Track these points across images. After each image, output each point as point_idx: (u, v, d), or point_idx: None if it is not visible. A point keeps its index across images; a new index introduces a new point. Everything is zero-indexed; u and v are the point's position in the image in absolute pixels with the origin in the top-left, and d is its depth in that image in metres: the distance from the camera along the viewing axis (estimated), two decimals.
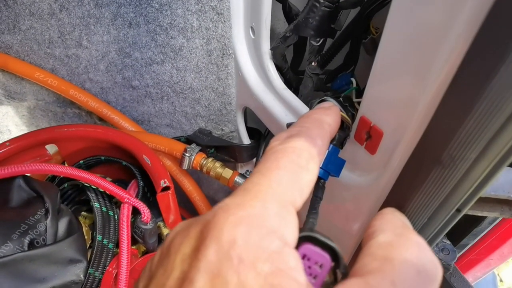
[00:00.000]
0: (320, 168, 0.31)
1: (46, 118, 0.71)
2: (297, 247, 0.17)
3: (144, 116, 0.62)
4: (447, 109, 0.20)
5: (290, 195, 0.18)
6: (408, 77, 0.24)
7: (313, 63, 0.38)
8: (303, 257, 0.17)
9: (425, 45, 0.21)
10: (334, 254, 0.18)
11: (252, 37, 0.44)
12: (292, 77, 0.44)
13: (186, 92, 0.55)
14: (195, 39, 0.48)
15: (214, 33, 0.47)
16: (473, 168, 0.18)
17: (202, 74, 0.52)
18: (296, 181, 0.18)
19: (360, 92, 0.39)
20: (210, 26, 0.47)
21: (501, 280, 0.81)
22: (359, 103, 0.34)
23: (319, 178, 0.30)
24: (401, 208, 0.25)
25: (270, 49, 0.42)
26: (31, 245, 0.39)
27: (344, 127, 0.32)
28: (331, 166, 0.30)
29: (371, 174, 0.31)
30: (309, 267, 0.18)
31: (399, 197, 0.25)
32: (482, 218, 0.43)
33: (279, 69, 0.43)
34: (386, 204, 0.27)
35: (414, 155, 0.24)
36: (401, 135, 0.26)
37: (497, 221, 0.44)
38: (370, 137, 0.30)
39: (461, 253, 0.47)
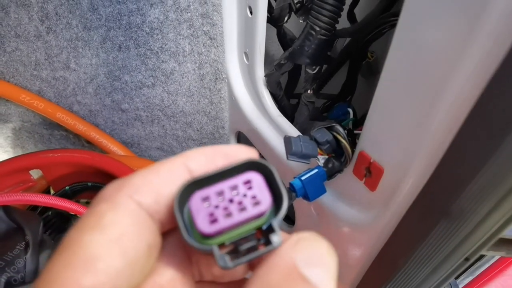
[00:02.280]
0: (299, 179, 0.30)
1: (32, 140, 0.69)
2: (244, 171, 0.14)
3: (134, 139, 0.60)
4: (459, 156, 0.18)
5: None
6: (413, 111, 0.23)
7: (308, 91, 0.37)
8: (246, 182, 0.14)
9: (435, 75, 0.20)
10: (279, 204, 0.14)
11: (246, 62, 0.43)
12: (287, 104, 0.43)
13: (177, 115, 0.53)
14: (187, 63, 0.47)
15: (206, 57, 0.46)
16: (485, 222, 0.17)
17: (194, 98, 0.50)
18: None
19: (356, 123, 0.37)
20: (203, 50, 0.45)
21: None
22: (356, 134, 0.33)
23: (292, 189, 0.27)
24: (403, 255, 0.24)
25: (265, 76, 0.41)
26: (8, 285, 0.36)
27: (341, 160, 0.31)
28: (311, 187, 0.28)
29: (371, 211, 0.30)
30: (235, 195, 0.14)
31: (402, 242, 0.23)
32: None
33: (273, 95, 0.42)
34: (388, 247, 0.25)
35: (419, 200, 0.22)
36: (403, 175, 0.25)
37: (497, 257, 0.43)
38: (370, 173, 0.29)
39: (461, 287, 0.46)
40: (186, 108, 0.52)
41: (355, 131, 0.33)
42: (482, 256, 0.42)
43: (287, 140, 0.28)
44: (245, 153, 0.16)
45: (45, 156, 0.53)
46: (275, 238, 0.14)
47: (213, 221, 0.14)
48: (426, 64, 0.20)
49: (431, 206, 0.21)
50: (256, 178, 0.14)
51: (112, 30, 0.49)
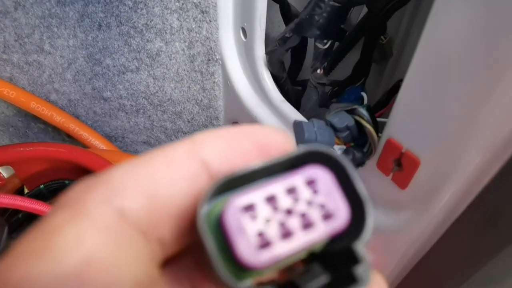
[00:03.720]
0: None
1: (7, 134, 0.63)
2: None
3: (118, 132, 0.54)
4: None
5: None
6: (470, 78, 0.17)
7: (318, 71, 0.31)
8: (309, 182, 0.09)
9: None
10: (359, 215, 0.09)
11: (243, 39, 0.37)
12: (291, 88, 0.38)
13: (165, 104, 0.48)
14: (175, 42, 0.41)
15: (197, 35, 0.40)
16: None
17: (184, 84, 0.45)
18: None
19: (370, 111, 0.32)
20: (193, 26, 0.40)
21: None
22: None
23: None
24: (451, 277, 0.18)
25: (266, 53, 0.35)
26: None
27: (364, 150, 0.25)
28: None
29: (400, 215, 0.24)
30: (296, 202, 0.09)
31: (452, 258, 0.18)
32: None
33: (275, 78, 0.36)
34: (427, 263, 0.20)
35: (482, 203, 0.17)
36: (450, 169, 0.19)
37: None
38: (400, 167, 0.23)
39: None
40: (174, 95, 0.46)
41: (378, 119, 0.27)
42: None
43: (298, 125, 0.22)
44: (280, 136, 0.10)
45: (15, 151, 0.47)
46: (363, 272, 0.09)
47: (264, 245, 0.09)
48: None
49: (497, 221, 0.15)
50: (323, 176, 0.09)
51: (90, 5, 0.43)
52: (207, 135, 0.10)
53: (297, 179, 0.09)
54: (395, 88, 0.38)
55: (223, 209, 0.09)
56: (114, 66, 0.48)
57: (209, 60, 0.41)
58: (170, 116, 0.50)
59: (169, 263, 0.11)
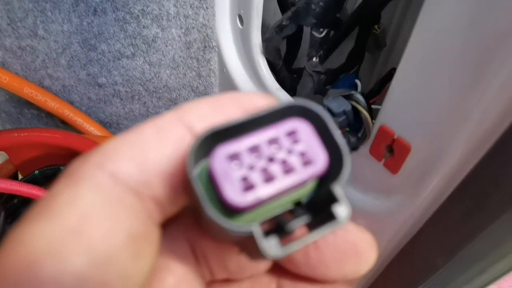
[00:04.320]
0: None
1: None
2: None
3: (113, 118, 0.54)
4: None
5: None
6: (459, 68, 0.18)
7: (314, 59, 0.31)
8: (289, 133, 0.10)
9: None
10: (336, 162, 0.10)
11: (240, 27, 0.38)
12: (286, 76, 0.38)
13: (160, 91, 0.48)
14: (171, 29, 0.41)
15: (194, 21, 0.40)
16: None
17: (180, 70, 0.45)
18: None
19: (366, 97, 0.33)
20: (190, 13, 0.40)
21: None
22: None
23: None
24: (441, 253, 0.19)
25: (263, 41, 0.35)
26: None
27: (358, 135, 0.26)
28: None
29: (391, 198, 0.25)
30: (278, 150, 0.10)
31: (440, 238, 0.19)
32: None
33: (271, 65, 0.37)
34: (417, 242, 0.21)
35: (471, 184, 0.17)
36: (439, 153, 0.20)
37: None
38: (392, 152, 0.24)
39: None
40: (170, 82, 0.46)
41: (372, 106, 0.28)
42: None
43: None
44: (265, 101, 0.11)
45: (9, 136, 0.47)
46: (341, 210, 0.10)
47: (248, 188, 0.09)
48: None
49: (481, 198, 0.16)
50: (303, 127, 0.10)
51: None
52: (193, 102, 0.11)
53: (279, 130, 0.10)
54: (388, 77, 0.39)
55: (210, 159, 0.09)
56: (110, 52, 0.48)
57: (205, 47, 0.42)
58: (165, 102, 0.50)
59: (168, 224, 0.12)
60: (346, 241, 0.13)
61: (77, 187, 0.10)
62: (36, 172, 0.50)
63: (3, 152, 0.51)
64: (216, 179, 0.09)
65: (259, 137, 0.10)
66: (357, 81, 0.34)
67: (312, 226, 0.10)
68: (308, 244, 0.10)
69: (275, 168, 0.10)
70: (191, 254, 0.13)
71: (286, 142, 0.10)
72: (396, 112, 0.23)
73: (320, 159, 0.10)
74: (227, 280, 0.14)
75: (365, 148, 0.26)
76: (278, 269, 0.14)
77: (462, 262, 0.17)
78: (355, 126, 0.25)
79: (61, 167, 0.50)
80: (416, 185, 0.22)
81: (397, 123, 0.23)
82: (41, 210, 0.10)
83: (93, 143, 0.47)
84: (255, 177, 0.09)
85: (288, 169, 0.10)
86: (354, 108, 0.25)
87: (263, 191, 0.09)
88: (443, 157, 0.20)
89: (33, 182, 0.50)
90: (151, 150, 0.10)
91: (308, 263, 0.13)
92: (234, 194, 0.09)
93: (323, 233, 0.10)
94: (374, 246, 0.14)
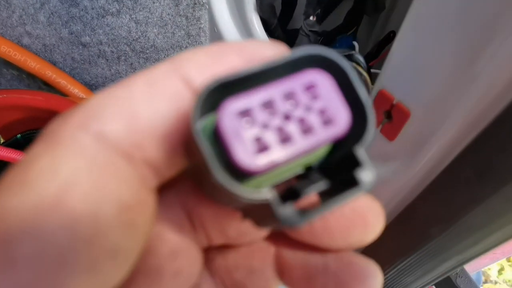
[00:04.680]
0: None
1: None
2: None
3: (98, 80, 0.52)
4: None
5: None
6: (465, 31, 0.17)
7: (311, 18, 0.30)
8: (308, 87, 0.09)
9: None
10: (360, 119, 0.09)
11: None
12: (281, 35, 0.36)
13: (147, 51, 0.46)
14: None
15: None
16: None
17: (168, 29, 0.42)
18: None
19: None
20: None
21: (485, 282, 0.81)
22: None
23: None
24: (436, 223, 0.19)
25: None
26: None
27: None
28: None
29: (387, 166, 0.25)
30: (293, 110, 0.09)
31: (436, 209, 0.18)
32: None
33: (265, 24, 0.35)
34: (412, 211, 0.21)
35: (470, 154, 0.17)
36: (439, 118, 0.19)
37: None
38: (391, 118, 0.23)
39: None
40: (158, 41, 0.44)
41: (372, 70, 0.27)
42: None
43: None
44: (273, 50, 0.10)
45: None
46: (365, 175, 0.09)
47: (262, 149, 0.08)
48: None
49: (484, 171, 0.16)
50: (323, 81, 0.09)
51: None
52: (190, 52, 0.10)
53: (295, 83, 0.09)
54: (386, 40, 0.37)
55: (218, 115, 0.08)
56: (93, 9, 0.45)
57: (195, 3, 0.39)
58: (153, 63, 0.48)
59: (163, 190, 0.11)
60: (353, 209, 0.12)
61: (57, 152, 0.09)
62: (19, 135, 0.49)
63: None
64: (224, 139, 0.08)
65: (274, 91, 0.09)
66: (355, 43, 0.33)
67: (329, 193, 0.09)
68: (329, 212, 0.09)
69: (292, 128, 0.08)
70: (187, 221, 0.12)
71: (304, 98, 0.09)
72: (397, 76, 0.22)
73: (342, 119, 0.09)
74: (225, 246, 0.13)
75: None
76: (278, 235, 0.14)
77: (458, 233, 0.17)
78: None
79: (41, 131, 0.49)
80: (413, 153, 0.22)
81: (397, 87, 0.22)
82: (16, 179, 0.08)
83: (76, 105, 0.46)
84: (270, 137, 0.08)
85: (306, 129, 0.09)
86: None
87: (279, 153, 0.08)
88: (443, 125, 0.19)
89: (15, 146, 0.49)
90: (142, 106, 0.09)
91: (312, 231, 0.12)
92: (245, 156, 0.08)
93: (347, 199, 0.09)
94: (381, 215, 0.13)
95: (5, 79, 0.59)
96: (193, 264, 0.12)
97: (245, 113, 0.08)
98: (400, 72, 0.21)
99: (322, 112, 0.09)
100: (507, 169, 0.13)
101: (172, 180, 0.11)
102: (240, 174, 0.08)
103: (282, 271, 0.14)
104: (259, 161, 0.08)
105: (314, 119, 0.08)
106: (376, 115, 0.24)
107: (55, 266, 0.08)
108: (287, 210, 0.08)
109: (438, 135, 0.20)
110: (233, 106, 0.08)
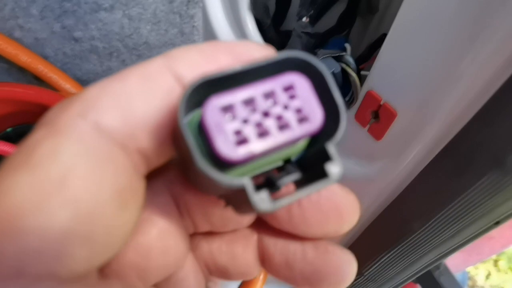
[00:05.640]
0: None
1: None
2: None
3: (90, 76, 0.52)
4: None
5: None
6: (449, 31, 0.17)
7: (304, 19, 0.31)
8: (286, 88, 0.10)
9: None
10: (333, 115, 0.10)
11: None
12: (274, 36, 0.37)
13: (140, 48, 0.46)
14: None
15: None
16: None
17: (161, 26, 0.43)
18: None
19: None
20: None
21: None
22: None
23: None
24: (417, 217, 0.20)
25: None
26: None
27: (345, 99, 0.26)
28: None
29: (372, 165, 0.25)
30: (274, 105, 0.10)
31: (418, 203, 0.19)
32: None
33: (259, 24, 0.36)
34: (396, 207, 0.21)
35: (448, 153, 0.18)
36: (424, 121, 0.20)
37: None
38: (378, 119, 0.24)
39: None
40: (150, 39, 0.45)
41: (362, 72, 0.28)
42: None
43: None
44: (262, 51, 0.11)
45: None
46: (333, 168, 0.10)
47: (241, 141, 0.09)
48: None
49: (464, 165, 0.17)
50: (301, 82, 0.10)
51: None
52: (182, 49, 0.11)
53: (276, 84, 0.10)
54: (378, 42, 0.38)
55: (203, 110, 0.09)
56: (86, 3, 0.45)
57: (189, 1, 0.40)
58: (145, 60, 0.48)
59: (151, 177, 0.12)
60: (330, 201, 0.13)
61: (58, 138, 0.09)
62: (9, 129, 0.49)
63: None
64: (208, 131, 0.09)
65: (255, 90, 0.09)
66: (347, 45, 0.34)
67: (303, 183, 0.10)
68: (299, 199, 0.10)
69: (270, 123, 0.09)
70: (174, 207, 0.13)
71: (282, 97, 0.10)
72: (385, 77, 0.23)
73: (317, 117, 0.10)
74: (210, 233, 0.14)
75: (350, 114, 0.26)
76: (260, 224, 0.15)
77: (438, 225, 0.18)
78: (343, 90, 0.25)
79: (32, 126, 0.49)
80: (399, 151, 0.23)
81: (385, 88, 0.23)
82: (21, 161, 0.09)
83: None
84: (249, 131, 0.09)
85: (283, 125, 0.09)
86: (343, 71, 0.25)
87: (256, 146, 0.09)
88: (427, 124, 0.20)
89: (6, 140, 0.49)
90: (137, 100, 0.10)
91: (291, 221, 0.13)
92: (226, 147, 0.09)
93: (316, 189, 0.10)
94: (357, 207, 0.14)
95: None
96: (179, 246, 0.13)
97: (227, 108, 0.09)
98: (387, 73, 0.22)
99: (298, 110, 0.10)
100: (483, 163, 0.14)
101: (160, 169, 0.12)
102: (223, 164, 0.09)
103: (263, 258, 0.15)
104: (239, 152, 0.09)
105: (290, 117, 0.09)
106: (364, 115, 0.25)
107: (59, 238, 0.09)
108: (260, 196, 0.09)
109: (422, 134, 0.21)
110: (216, 101, 0.09)
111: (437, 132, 0.19)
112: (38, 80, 0.57)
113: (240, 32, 0.38)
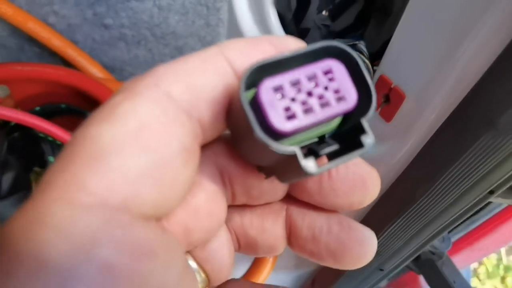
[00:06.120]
0: None
1: None
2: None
3: (116, 63, 0.55)
4: (509, 66, 0.16)
5: None
6: (449, 22, 0.20)
7: (324, 12, 0.33)
8: (326, 72, 0.12)
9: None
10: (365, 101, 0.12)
11: None
12: (295, 31, 0.40)
13: (167, 37, 0.49)
14: None
15: None
16: None
17: (189, 17, 0.46)
18: None
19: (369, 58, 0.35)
20: None
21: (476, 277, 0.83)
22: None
23: None
24: (420, 186, 0.22)
25: None
26: None
27: None
28: None
29: (383, 145, 0.28)
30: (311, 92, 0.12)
31: (420, 174, 0.22)
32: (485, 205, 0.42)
33: (281, 18, 0.39)
34: (402, 180, 0.24)
35: (443, 131, 0.20)
36: (429, 99, 0.23)
37: (501, 207, 0.42)
38: (388, 101, 0.26)
39: (454, 239, 0.46)
40: (178, 29, 0.48)
41: (375, 68, 0.30)
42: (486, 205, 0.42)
43: None
44: (297, 44, 0.13)
45: (13, 69, 0.49)
46: (367, 139, 0.12)
47: (290, 117, 0.11)
48: None
49: (462, 131, 0.19)
50: (338, 67, 0.12)
51: None
52: (232, 40, 0.13)
53: (317, 68, 0.12)
54: None
55: (258, 89, 0.11)
56: None
57: None
58: (171, 50, 0.51)
59: (202, 150, 0.14)
60: (356, 173, 0.15)
61: (136, 100, 0.11)
62: (38, 108, 0.52)
63: (5, 86, 0.52)
64: (262, 107, 0.11)
65: (300, 73, 0.11)
66: (362, 42, 0.36)
67: (339, 153, 0.12)
68: (340, 164, 0.12)
69: (313, 102, 0.11)
70: (219, 177, 0.15)
71: (323, 79, 0.12)
72: (395, 62, 0.25)
73: (352, 97, 0.12)
74: (243, 206, 0.16)
75: None
76: (289, 200, 0.16)
77: (438, 191, 0.20)
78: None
79: (62, 105, 0.52)
80: (406, 131, 0.25)
81: (395, 72, 0.25)
82: (104, 115, 0.11)
83: (97, 83, 0.49)
84: (296, 107, 0.11)
85: (324, 103, 0.11)
86: None
87: (302, 120, 0.11)
88: (431, 106, 0.23)
89: None
90: (198, 77, 0.12)
91: (321, 192, 0.15)
92: (278, 120, 0.11)
93: (355, 156, 0.12)
94: (379, 181, 0.16)
95: (26, 55, 0.62)
96: (222, 212, 0.15)
97: (278, 88, 0.11)
98: (398, 58, 0.25)
99: (336, 91, 0.12)
100: (477, 127, 0.17)
101: (208, 144, 0.14)
102: (273, 135, 0.12)
103: (290, 232, 0.17)
104: (288, 125, 0.11)
105: (330, 96, 0.12)
106: (376, 98, 0.27)
107: (135, 178, 0.11)
108: (308, 162, 0.11)
109: (426, 116, 0.23)
110: (269, 83, 0.11)
111: (439, 110, 0.22)
112: (67, 64, 0.60)
113: (263, 26, 0.41)
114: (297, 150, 0.11)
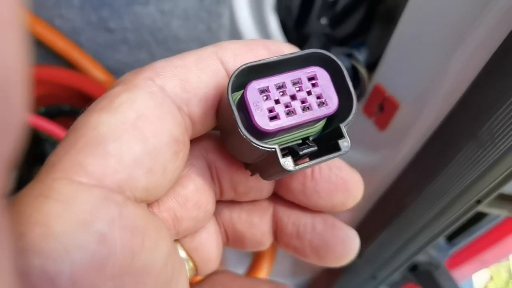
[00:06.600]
0: None
1: None
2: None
3: (119, 65, 0.56)
4: (491, 80, 0.17)
5: None
6: (440, 36, 0.20)
7: (322, 20, 0.34)
8: (310, 78, 0.12)
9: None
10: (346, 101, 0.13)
11: None
12: (295, 38, 0.40)
13: (169, 41, 0.50)
14: None
15: None
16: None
17: (190, 22, 0.47)
18: None
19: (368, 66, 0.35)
20: None
21: None
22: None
23: None
24: (411, 193, 0.22)
25: None
26: None
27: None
28: None
29: (377, 154, 0.28)
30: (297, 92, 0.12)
31: (411, 182, 0.22)
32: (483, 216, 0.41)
33: (282, 24, 0.39)
34: (394, 188, 0.24)
35: (435, 138, 0.21)
36: (420, 112, 0.23)
37: (499, 219, 0.42)
38: (383, 110, 0.27)
39: (453, 250, 0.46)
40: (180, 33, 0.48)
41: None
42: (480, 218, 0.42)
43: None
44: (290, 49, 0.14)
45: None
46: (344, 143, 0.12)
47: (274, 117, 0.12)
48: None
49: (453, 136, 0.20)
50: (322, 74, 0.12)
51: None
52: (229, 42, 0.14)
53: (302, 74, 0.13)
54: None
55: (245, 90, 0.12)
56: None
57: (219, 0, 0.44)
58: (173, 54, 0.52)
59: (191, 144, 0.15)
60: (339, 176, 0.16)
61: (133, 92, 0.12)
62: (42, 109, 0.53)
63: None
64: (248, 107, 0.12)
65: (285, 78, 0.12)
66: (362, 48, 0.37)
67: (317, 155, 0.13)
68: (316, 164, 0.13)
69: (296, 105, 0.12)
70: (208, 172, 0.15)
71: (307, 85, 0.12)
72: (390, 72, 0.26)
73: (333, 102, 0.12)
74: (232, 202, 0.17)
75: (359, 106, 0.29)
76: (276, 198, 0.17)
77: (426, 199, 0.21)
78: (352, 84, 0.28)
79: (66, 107, 0.53)
80: (400, 140, 0.26)
81: (390, 82, 0.26)
82: (104, 106, 0.12)
83: (100, 86, 0.50)
84: (280, 109, 0.12)
85: (306, 107, 0.12)
86: (353, 67, 0.28)
87: (285, 121, 0.12)
88: (424, 115, 0.23)
89: None
90: (192, 74, 0.13)
91: (304, 192, 0.16)
92: (262, 120, 0.12)
93: (330, 158, 0.12)
94: (361, 184, 0.16)
95: (31, 58, 0.64)
96: (209, 204, 0.16)
97: (264, 91, 0.12)
98: (393, 68, 0.25)
99: (319, 96, 0.13)
100: (461, 139, 0.17)
101: (198, 139, 0.15)
102: (259, 135, 0.12)
103: (276, 229, 0.17)
104: (271, 124, 0.12)
105: (312, 101, 0.13)
106: (371, 108, 0.28)
107: (130, 163, 0.12)
108: (286, 160, 0.12)
109: (419, 124, 0.24)
110: (256, 84, 0.12)
111: (431, 120, 0.22)
112: (71, 66, 0.61)
113: (263, 32, 0.41)
114: (277, 148, 0.12)
